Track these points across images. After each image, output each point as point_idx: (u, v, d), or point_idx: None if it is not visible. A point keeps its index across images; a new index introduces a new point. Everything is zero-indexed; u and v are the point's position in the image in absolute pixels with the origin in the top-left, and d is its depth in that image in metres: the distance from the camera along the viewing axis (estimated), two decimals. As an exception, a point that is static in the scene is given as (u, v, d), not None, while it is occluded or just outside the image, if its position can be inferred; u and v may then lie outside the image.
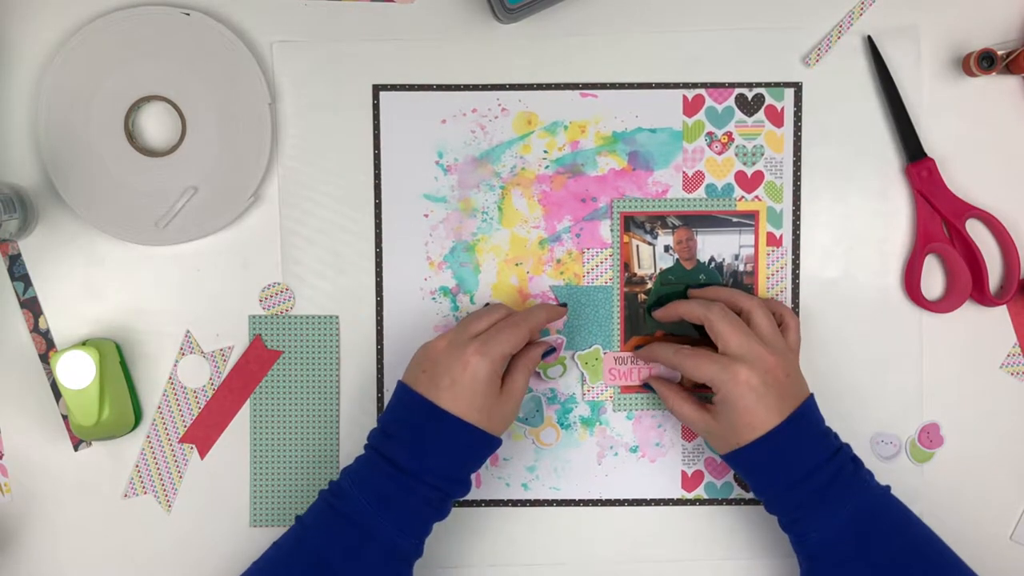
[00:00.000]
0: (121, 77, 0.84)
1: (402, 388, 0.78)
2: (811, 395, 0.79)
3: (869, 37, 0.86)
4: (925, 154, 0.86)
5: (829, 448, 0.77)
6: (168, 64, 0.84)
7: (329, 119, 0.86)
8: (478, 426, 0.75)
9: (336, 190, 0.86)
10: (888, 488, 0.78)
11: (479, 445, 0.76)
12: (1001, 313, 0.88)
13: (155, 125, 0.86)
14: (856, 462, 0.77)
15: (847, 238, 0.87)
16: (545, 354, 0.83)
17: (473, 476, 0.78)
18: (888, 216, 0.87)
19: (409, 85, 0.86)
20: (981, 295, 0.86)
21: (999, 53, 0.84)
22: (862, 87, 0.87)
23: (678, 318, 0.83)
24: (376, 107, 0.86)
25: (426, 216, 0.87)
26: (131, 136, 0.85)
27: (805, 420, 0.77)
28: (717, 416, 0.78)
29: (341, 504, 0.75)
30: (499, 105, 0.86)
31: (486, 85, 0.86)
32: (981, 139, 0.87)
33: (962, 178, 0.87)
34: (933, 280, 0.88)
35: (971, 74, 0.85)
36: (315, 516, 0.76)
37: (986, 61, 0.84)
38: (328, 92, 0.86)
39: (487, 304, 0.86)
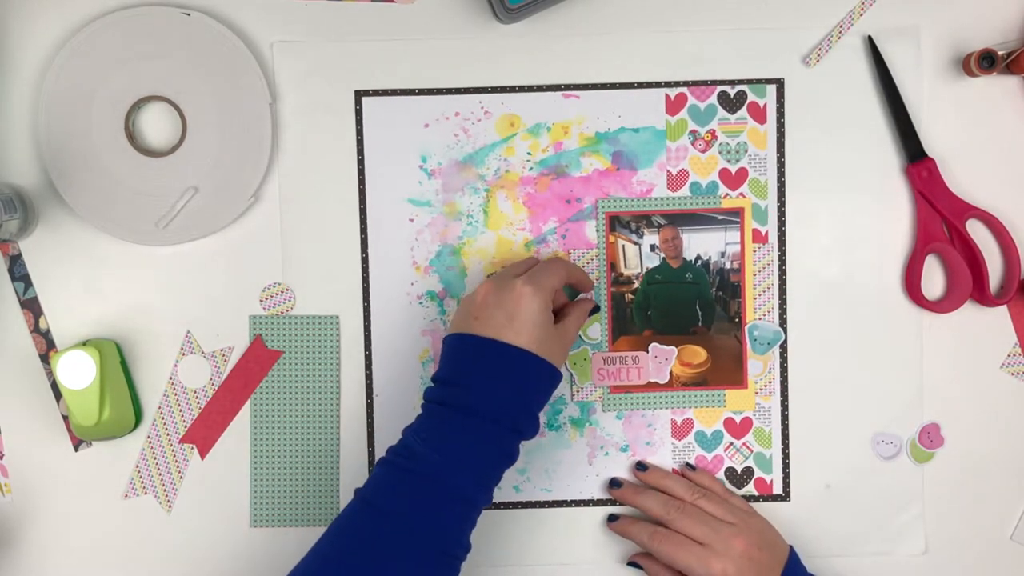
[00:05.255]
0: (121, 77, 0.84)
1: (456, 338, 0.77)
2: (790, 551, 0.81)
3: (869, 37, 0.86)
4: (925, 154, 0.86)
5: None
6: (168, 64, 0.84)
7: (329, 119, 0.86)
8: (541, 356, 0.75)
9: (337, 189, 0.86)
10: None
11: (545, 377, 0.76)
12: (1001, 313, 0.88)
13: (155, 125, 0.86)
14: None
15: (847, 238, 0.87)
16: (591, 312, 0.85)
17: (542, 415, 0.78)
18: (888, 216, 0.87)
19: (391, 90, 0.86)
20: (981, 295, 0.86)
21: (999, 53, 0.84)
22: (862, 87, 0.87)
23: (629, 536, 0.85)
24: (359, 112, 0.86)
25: (411, 221, 0.87)
26: (131, 136, 0.85)
27: None
28: None
29: (414, 464, 0.72)
30: (481, 108, 0.86)
31: (468, 88, 0.86)
32: (981, 139, 0.87)
33: (962, 178, 0.87)
34: (933, 280, 0.88)
35: (971, 74, 0.85)
36: (382, 482, 0.73)
37: (986, 61, 0.84)
38: (328, 92, 0.86)
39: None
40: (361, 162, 0.86)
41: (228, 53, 0.84)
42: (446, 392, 0.75)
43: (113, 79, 0.84)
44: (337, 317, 0.86)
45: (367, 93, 0.86)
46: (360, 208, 0.86)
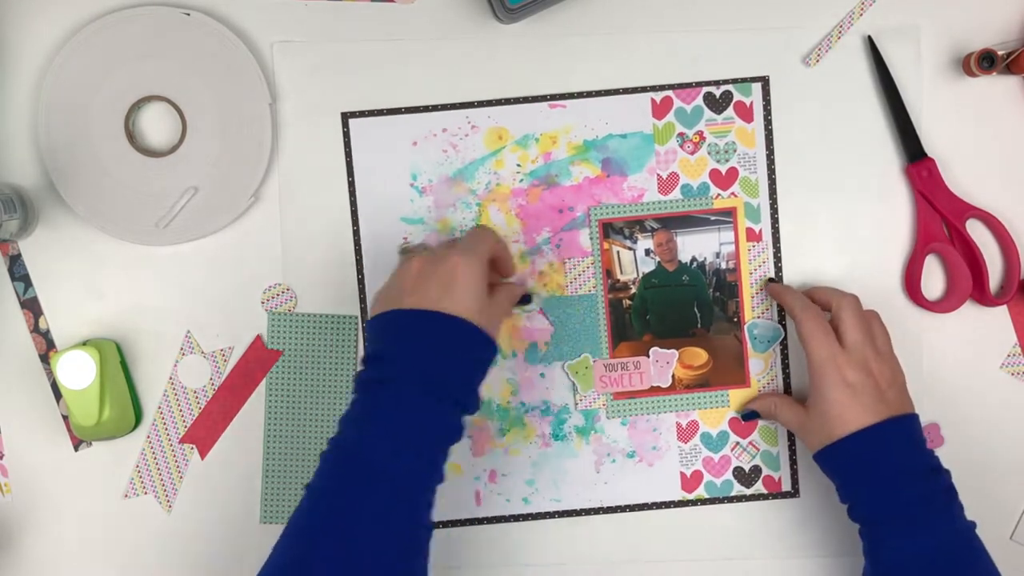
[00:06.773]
0: (121, 77, 0.84)
1: (386, 317, 0.73)
2: (915, 414, 0.78)
3: (869, 37, 0.86)
4: (925, 154, 0.86)
5: (924, 465, 0.76)
6: (168, 64, 0.84)
7: (329, 119, 0.86)
8: (481, 327, 0.72)
9: (337, 189, 0.86)
10: (974, 526, 0.76)
11: (484, 349, 0.73)
12: (1001, 313, 0.88)
13: (155, 125, 0.86)
14: (951, 493, 0.76)
15: (847, 238, 0.87)
16: (521, 301, 0.83)
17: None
18: (888, 216, 0.87)
19: (378, 110, 0.86)
20: (981, 295, 0.86)
21: (999, 53, 0.84)
22: (862, 87, 0.87)
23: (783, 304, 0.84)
24: (346, 134, 0.86)
25: (405, 239, 0.86)
26: (131, 136, 0.85)
27: (901, 430, 0.77)
28: (810, 410, 0.78)
29: (354, 451, 0.69)
30: (468, 123, 0.86)
31: (454, 104, 0.86)
32: (981, 139, 0.87)
33: (962, 178, 0.87)
34: (933, 280, 0.88)
35: (971, 74, 0.85)
36: (327, 475, 0.70)
37: (986, 61, 0.84)
38: (328, 92, 0.86)
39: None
40: (352, 183, 0.86)
41: (228, 53, 0.84)
42: (379, 369, 0.71)
43: (113, 79, 0.84)
44: (355, 317, 0.86)
45: (354, 115, 0.86)
46: (353, 229, 0.86)
